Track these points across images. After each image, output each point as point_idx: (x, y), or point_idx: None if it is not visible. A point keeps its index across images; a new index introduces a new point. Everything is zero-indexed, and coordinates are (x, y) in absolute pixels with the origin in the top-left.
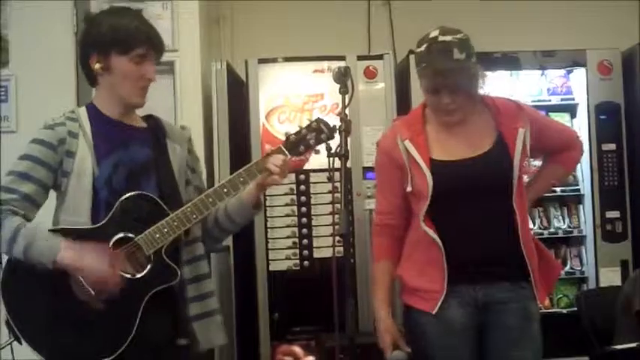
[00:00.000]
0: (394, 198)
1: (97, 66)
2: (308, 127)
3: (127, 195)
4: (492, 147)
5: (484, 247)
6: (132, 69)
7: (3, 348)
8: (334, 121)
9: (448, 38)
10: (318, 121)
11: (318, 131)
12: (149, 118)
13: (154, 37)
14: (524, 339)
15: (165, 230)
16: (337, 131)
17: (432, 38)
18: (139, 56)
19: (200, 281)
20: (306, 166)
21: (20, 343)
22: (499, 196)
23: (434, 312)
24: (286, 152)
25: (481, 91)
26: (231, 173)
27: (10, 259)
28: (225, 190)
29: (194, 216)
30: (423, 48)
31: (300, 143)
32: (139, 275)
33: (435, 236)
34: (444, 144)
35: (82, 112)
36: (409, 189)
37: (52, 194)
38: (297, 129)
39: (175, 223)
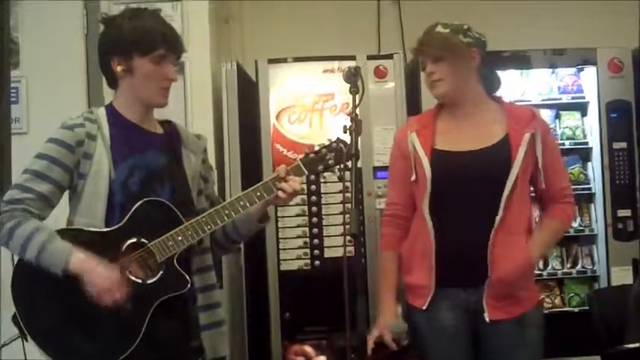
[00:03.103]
0: (402, 189)
1: (119, 68)
2: (328, 146)
3: (143, 200)
4: (495, 144)
5: (471, 246)
6: (153, 70)
7: (7, 344)
8: (345, 121)
9: (440, 22)
10: (338, 141)
11: (337, 151)
12: (166, 123)
13: (173, 38)
14: (517, 346)
15: (179, 238)
16: (347, 131)
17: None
18: (159, 57)
19: (208, 291)
20: None
21: (26, 340)
22: (492, 194)
23: (424, 308)
24: (305, 171)
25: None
26: (241, 175)
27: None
28: (241, 203)
29: (208, 226)
30: None
31: (319, 163)
32: (149, 281)
33: (431, 228)
34: (450, 136)
35: (101, 113)
36: (413, 178)
37: (65, 194)
38: (317, 148)
39: (189, 232)
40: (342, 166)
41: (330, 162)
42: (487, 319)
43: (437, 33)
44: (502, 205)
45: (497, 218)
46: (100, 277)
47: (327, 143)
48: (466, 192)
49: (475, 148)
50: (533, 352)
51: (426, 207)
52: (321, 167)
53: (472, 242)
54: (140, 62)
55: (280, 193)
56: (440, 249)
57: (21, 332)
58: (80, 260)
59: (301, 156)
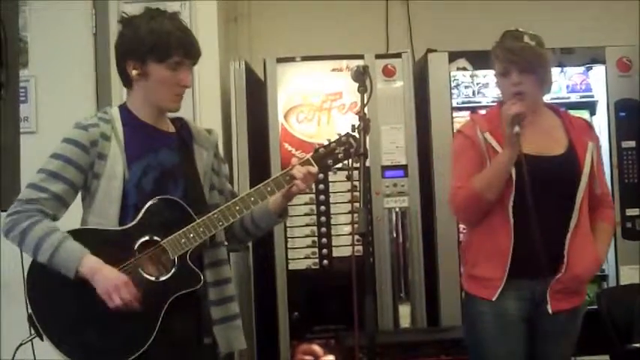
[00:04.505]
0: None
1: (134, 72)
2: (337, 140)
3: (155, 199)
4: (566, 151)
5: (546, 244)
6: (168, 76)
7: (24, 344)
8: (353, 120)
9: (521, 29)
10: (348, 135)
11: (347, 145)
12: (177, 120)
13: (190, 44)
14: (568, 334)
15: (191, 235)
16: (356, 130)
17: (508, 30)
18: (175, 63)
19: (221, 285)
20: None
21: (42, 339)
22: (566, 196)
23: (493, 299)
24: (314, 165)
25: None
26: (249, 173)
27: None
28: (252, 199)
29: (220, 223)
30: (499, 39)
31: (328, 157)
32: (162, 278)
33: (512, 225)
34: (522, 140)
35: (115, 113)
36: None
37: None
38: (327, 142)
39: (201, 229)
40: (350, 160)
41: (340, 156)
42: (550, 311)
43: (526, 44)
44: (577, 208)
45: (573, 220)
46: (106, 279)
47: (336, 138)
48: (544, 194)
49: (552, 154)
50: (574, 340)
51: (509, 206)
52: (330, 161)
53: (547, 241)
54: (155, 68)
55: (297, 173)
56: (516, 245)
57: (36, 331)
58: (90, 265)
59: (311, 153)
